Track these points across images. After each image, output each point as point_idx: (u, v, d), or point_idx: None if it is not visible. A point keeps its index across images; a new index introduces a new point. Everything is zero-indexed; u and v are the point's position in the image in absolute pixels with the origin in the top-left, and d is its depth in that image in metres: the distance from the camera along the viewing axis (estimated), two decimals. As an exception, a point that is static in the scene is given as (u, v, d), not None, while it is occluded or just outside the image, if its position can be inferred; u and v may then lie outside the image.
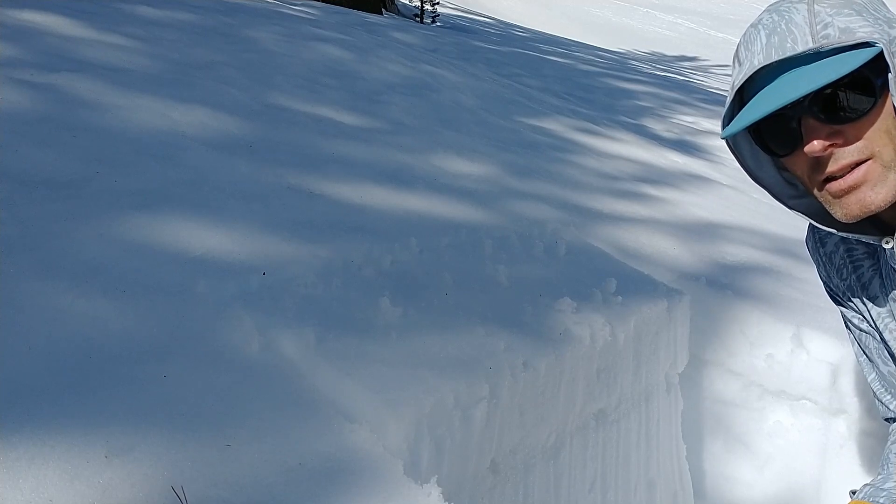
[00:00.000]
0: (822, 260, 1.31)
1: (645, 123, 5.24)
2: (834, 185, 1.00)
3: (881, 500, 1.17)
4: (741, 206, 3.24)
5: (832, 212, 1.04)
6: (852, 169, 0.98)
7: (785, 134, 1.01)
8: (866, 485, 1.23)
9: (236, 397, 1.17)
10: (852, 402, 2.00)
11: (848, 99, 0.96)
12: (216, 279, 1.46)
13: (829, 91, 0.95)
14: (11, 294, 1.27)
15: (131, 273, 1.42)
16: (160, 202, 1.73)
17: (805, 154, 0.99)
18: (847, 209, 1.01)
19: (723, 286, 2.23)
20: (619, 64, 9.29)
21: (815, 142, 0.97)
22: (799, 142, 1.00)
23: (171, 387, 1.15)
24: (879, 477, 1.24)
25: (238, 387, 1.19)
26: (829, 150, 0.98)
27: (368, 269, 1.66)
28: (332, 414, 1.19)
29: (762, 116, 0.96)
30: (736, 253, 2.55)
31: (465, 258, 1.84)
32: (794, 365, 2.05)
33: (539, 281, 1.80)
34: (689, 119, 5.87)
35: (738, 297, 2.19)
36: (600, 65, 8.50)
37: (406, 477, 1.10)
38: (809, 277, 2.49)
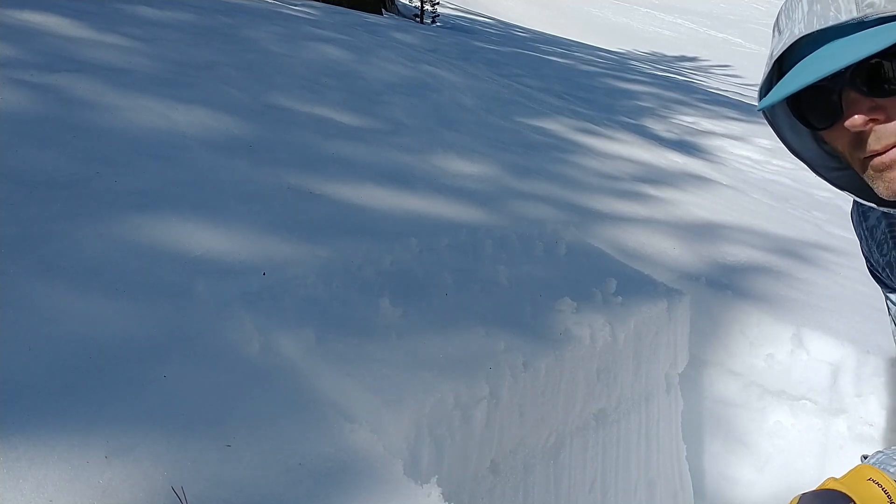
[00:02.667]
0: (864, 234, 1.28)
1: (645, 123, 5.25)
2: (877, 161, 0.96)
3: (892, 470, 1.16)
4: (741, 206, 3.25)
5: (874, 187, 1.00)
6: None
7: (825, 106, 0.97)
8: (879, 451, 1.20)
9: (236, 397, 1.17)
10: (852, 402, 2.00)
11: (892, 71, 0.91)
12: (216, 279, 1.46)
13: (872, 63, 0.90)
14: (11, 294, 1.27)
15: (131, 273, 1.42)
16: (160, 202, 1.73)
17: (846, 128, 0.95)
18: (890, 184, 0.97)
19: (723, 286, 2.23)
20: (619, 64, 9.30)
21: (857, 116, 0.93)
22: (839, 115, 0.96)
23: (171, 387, 1.15)
24: (894, 447, 1.22)
25: (238, 387, 1.19)
26: (871, 125, 0.94)
27: (368, 269, 1.66)
28: (332, 414, 1.19)
29: (800, 88, 0.92)
30: (736, 253, 2.55)
31: (465, 258, 1.84)
32: (794, 365, 2.05)
33: (539, 281, 1.80)
34: (689, 119, 5.88)
35: (738, 297, 2.20)
36: (600, 65, 8.51)
37: (406, 477, 1.10)
38: (809, 277, 2.50)
